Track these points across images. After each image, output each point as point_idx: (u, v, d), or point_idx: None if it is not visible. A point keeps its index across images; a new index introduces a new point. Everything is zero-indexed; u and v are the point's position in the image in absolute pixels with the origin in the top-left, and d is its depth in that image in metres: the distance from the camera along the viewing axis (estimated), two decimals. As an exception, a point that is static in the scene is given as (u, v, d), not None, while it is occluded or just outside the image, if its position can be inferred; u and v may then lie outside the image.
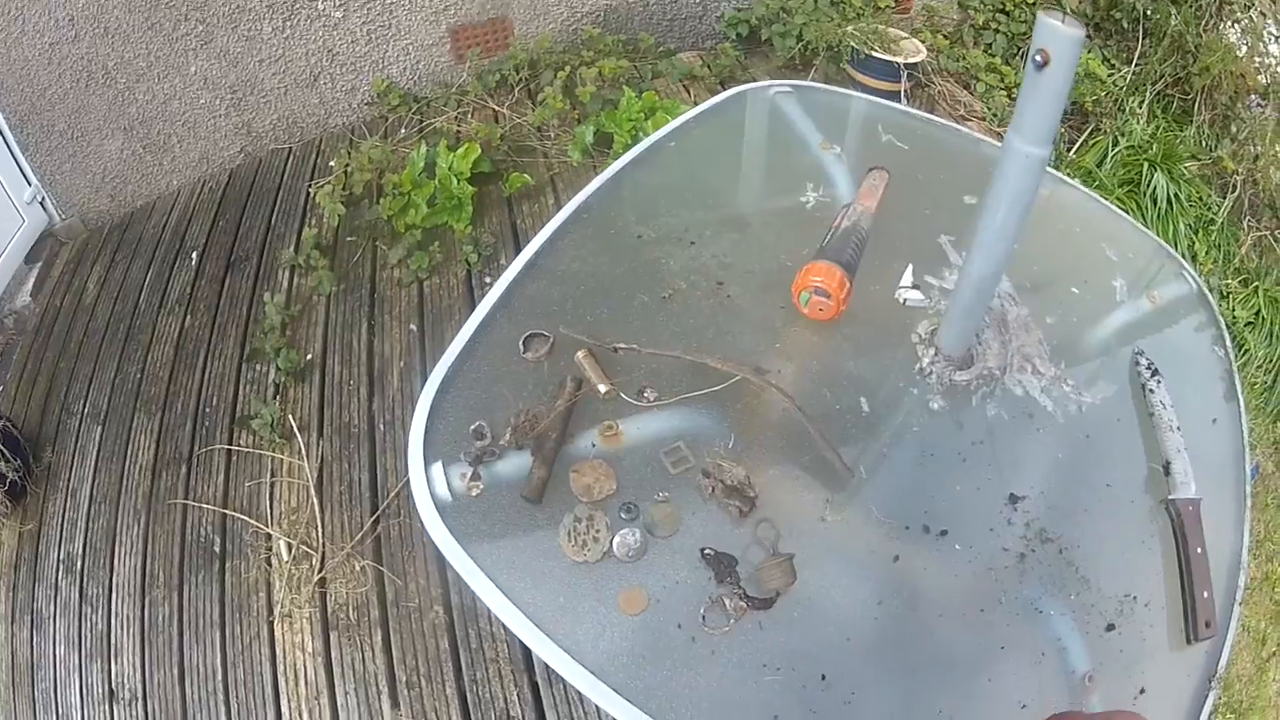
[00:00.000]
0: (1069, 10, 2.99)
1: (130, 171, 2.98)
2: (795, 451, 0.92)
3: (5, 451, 2.18)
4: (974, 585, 0.91)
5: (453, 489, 0.88)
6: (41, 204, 2.98)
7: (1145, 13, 3.09)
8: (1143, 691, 0.92)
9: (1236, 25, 3.12)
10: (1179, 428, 1.02)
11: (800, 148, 1.40)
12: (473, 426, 0.92)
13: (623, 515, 0.86)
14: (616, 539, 0.84)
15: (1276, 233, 2.87)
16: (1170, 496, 0.97)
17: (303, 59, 2.89)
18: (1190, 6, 3.04)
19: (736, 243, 1.18)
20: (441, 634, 1.79)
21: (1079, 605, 0.92)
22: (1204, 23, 3.08)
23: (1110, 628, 0.92)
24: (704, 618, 0.81)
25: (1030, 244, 1.19)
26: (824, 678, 0.82)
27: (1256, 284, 2.72)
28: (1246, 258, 2.82)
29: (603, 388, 0.95)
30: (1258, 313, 2.63)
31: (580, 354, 0.98)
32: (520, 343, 1.01)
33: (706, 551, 0.84)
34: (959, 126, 1.56)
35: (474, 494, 0.87)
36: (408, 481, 2.05)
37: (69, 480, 2.27)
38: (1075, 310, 1.16)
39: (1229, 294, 2.66)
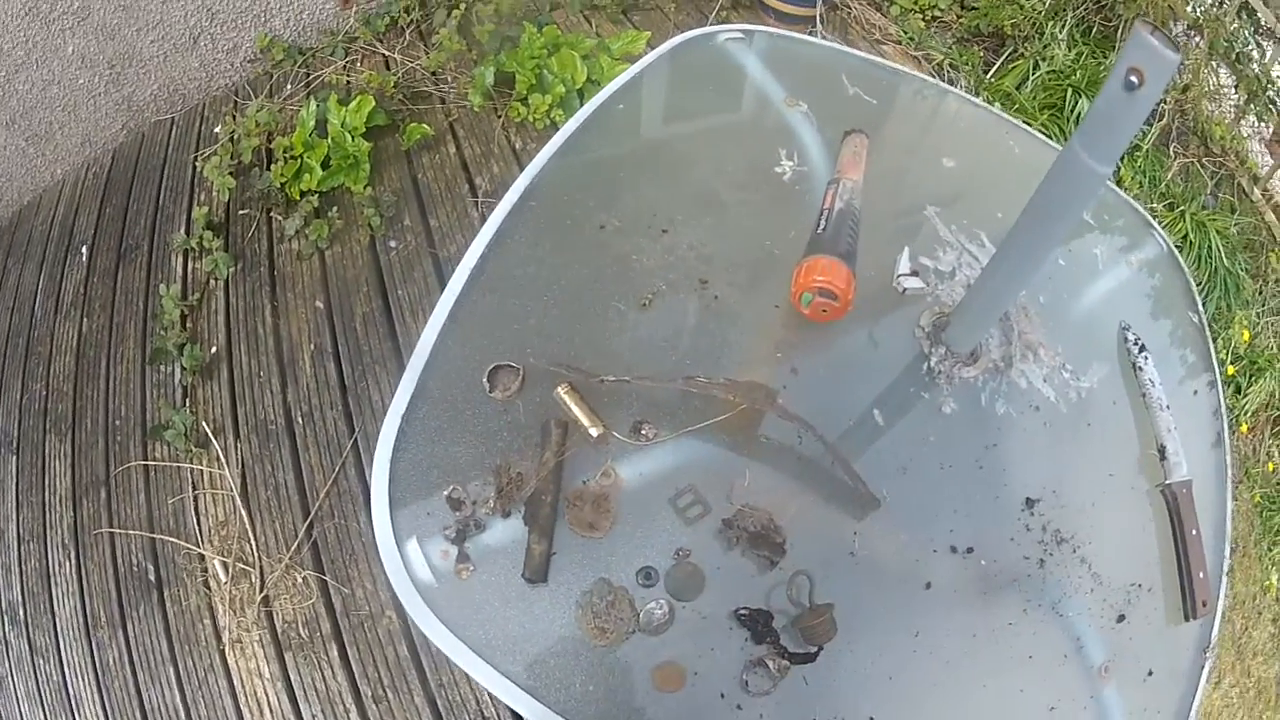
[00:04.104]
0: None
1: (14, 168, 2.55)
2: (815, 481, 0.79)
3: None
4: (1002, 600, 0.83)
5: (435, 570, 0.71)
6: (-75, 223, 2.56)
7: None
8: (1151, 673, 0.89)
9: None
10: (1169, 406, 0.96)
11: (763, 106, 1.21)
12: (446, 492, 0.74)
13: (641, 583, 0.71)
14: (643, 615, 0.70)
15: (1204, 160, 2.86)
16: (1165, 481, 0.92)
17: (181, 21, 2.49)
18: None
19: (714, 228, 1.00)
20: (399, 640, 1.64)
21: (1094, 602, 0.87)
22: (1130, -48, 2.97)
23: (1121, 618, 0.88)
24: (746, 682, 0.71)
25: (1010, 205, 1.11)
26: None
27: (1182, 208, 2.68)
28: (1173, 183, 2.79)
29: (594, 431, 0.78)
30: (1185, 236, 2.62)
31: (561, 389, 0.80)
32: (484, 380, 0.82)
33: (741, 612, 0.72)
34: (925, 78, 1.42)
35: (464, 577, 0.71)
36: (336, 479, 1.91)
37: (-8, 522, 1.98)
38: (1064, 284, 1.05)
39: (1155, 218, 2.65)
